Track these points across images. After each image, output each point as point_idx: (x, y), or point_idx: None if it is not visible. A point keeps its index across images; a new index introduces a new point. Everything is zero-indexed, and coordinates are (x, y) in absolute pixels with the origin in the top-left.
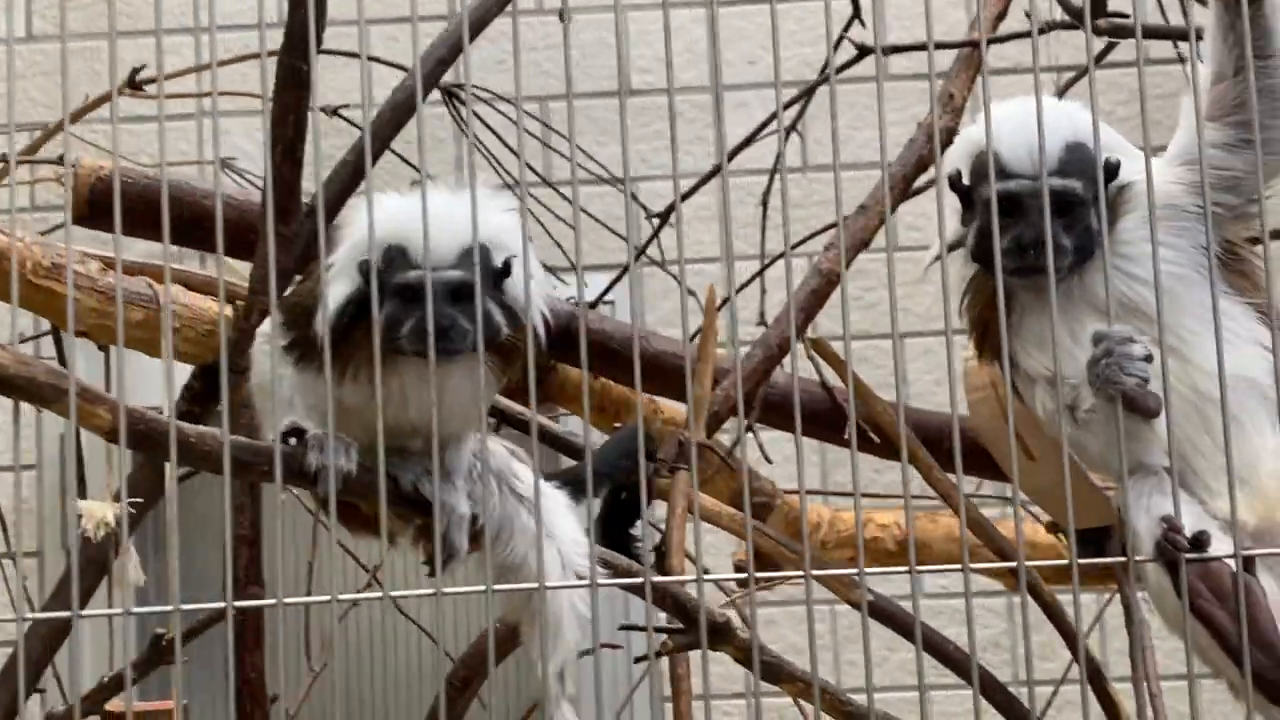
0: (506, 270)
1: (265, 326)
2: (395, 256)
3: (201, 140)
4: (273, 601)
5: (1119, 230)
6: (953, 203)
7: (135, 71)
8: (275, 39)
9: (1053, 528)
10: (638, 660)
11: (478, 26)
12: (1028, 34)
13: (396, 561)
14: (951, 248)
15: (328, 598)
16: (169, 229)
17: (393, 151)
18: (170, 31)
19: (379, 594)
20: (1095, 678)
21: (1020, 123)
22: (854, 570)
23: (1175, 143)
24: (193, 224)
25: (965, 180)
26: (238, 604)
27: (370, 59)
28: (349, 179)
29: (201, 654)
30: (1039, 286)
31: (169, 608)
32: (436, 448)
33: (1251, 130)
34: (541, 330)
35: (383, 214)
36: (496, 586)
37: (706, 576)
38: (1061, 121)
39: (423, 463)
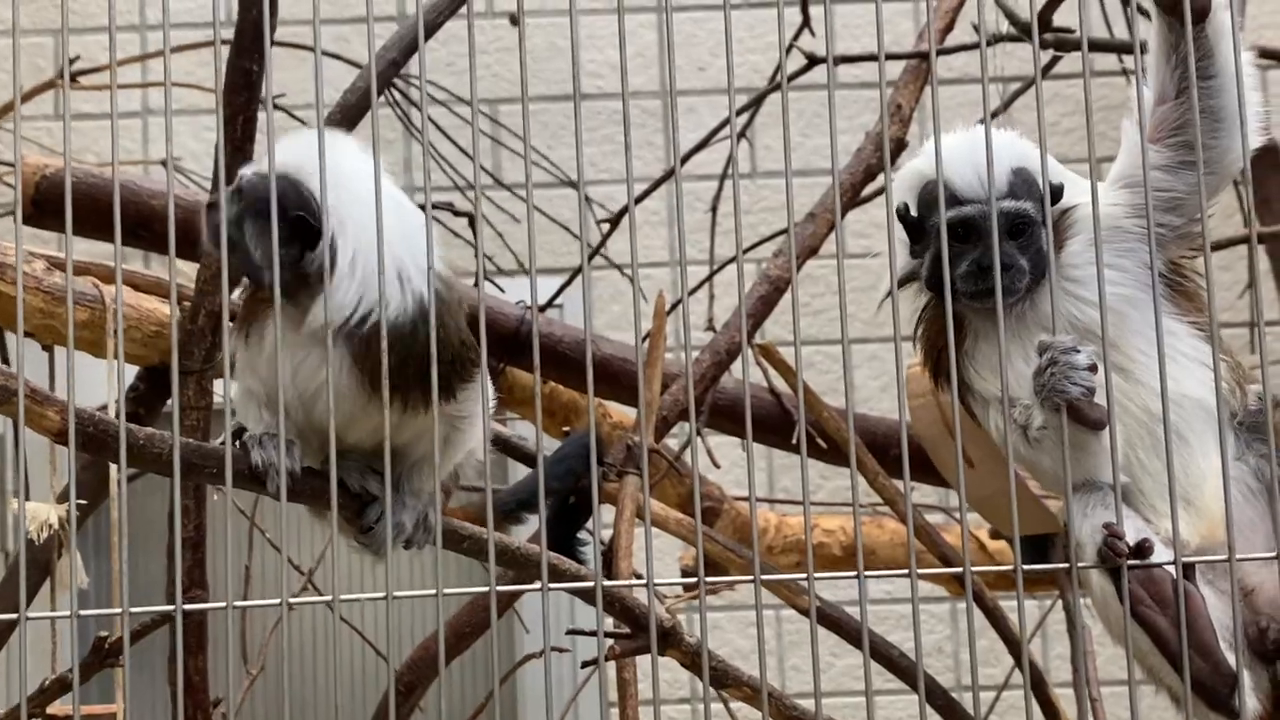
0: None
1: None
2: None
3: (148, 139)
4: (222, 604)
5: (1066, 254)
6: (900, 234)
7: (70, 63)
8: (225, 37)
9: (995, 535)
10: (585, 665)
11: (429, 29)
12: (975, 46)
13: (340, 565)
14: (903, 281)
15: (277, 601)
16: (109, 228)
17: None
18: (118, 29)
19: (327, 597)
20: (1037, 683)
21: (966, 150)
22: (803, 575)
23: (1117, 165)
24: (139, 224)
25: (913, 212)
26: (187, 606)
27: (324, 53)
28: None
29: (140, 659)
30: (992, 311)
31: (117, 610)
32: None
33: (1193, 151)
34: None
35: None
36: (446, 591)
37: (658, 581)
38: (1005, 148)
39: (370, 463)
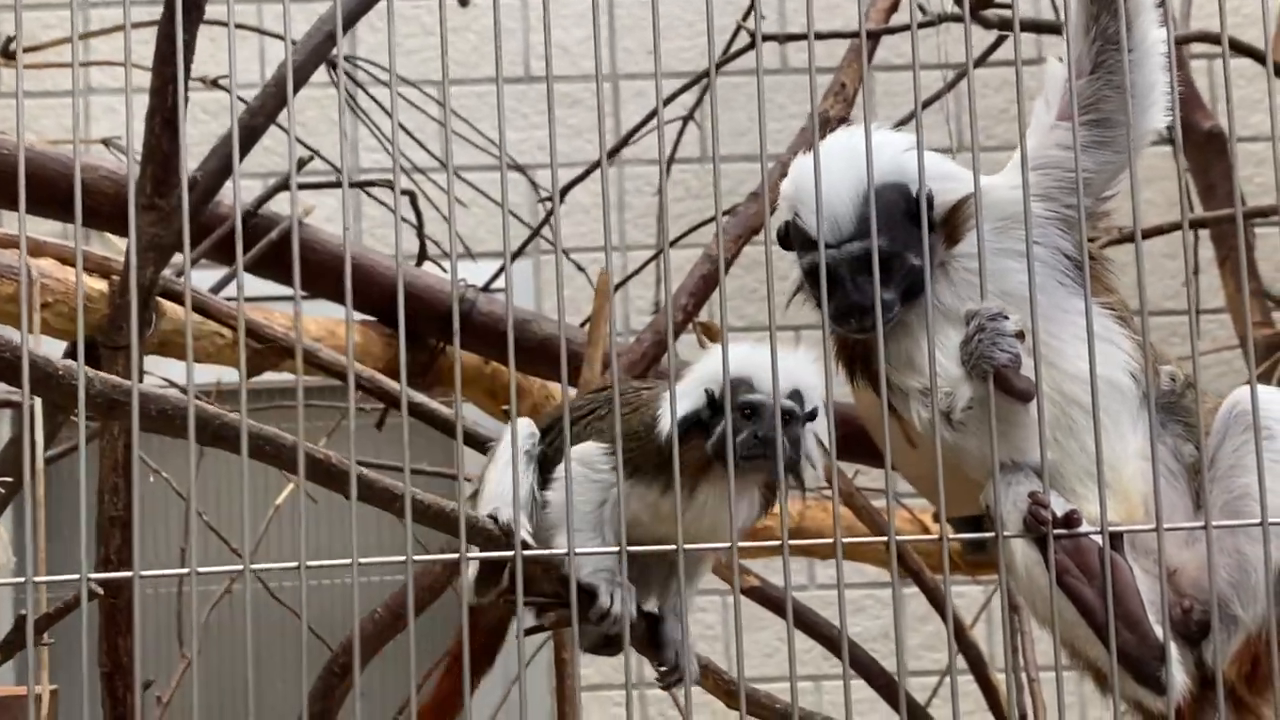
0: (813, 417)
1: (586, 449)
2: (739, 385)
3: (90, 118)
4: (129, 574)
5: (969, 243)
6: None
7: (9, 40)
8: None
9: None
10: (527, 633)
11: (367, 5)
12: (908, 28)
13: (269, 547)
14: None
15: (185, 570)
16: (45, 203)
17: (279, 126)
18: (39, 7)
19: (238, 566)
20: (976, 665)
21: (823, 184)
22: (726, 545)
23: (1024, 146)
24: (70, 199)
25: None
26: (93, 576)
27: (241, 27)
28: (231, 154)
29: (68, 640)
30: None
31: (21, 579)
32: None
33: (1104, 128)
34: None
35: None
36: (362, 560)
37: (579, 550)
38: (857, 173)
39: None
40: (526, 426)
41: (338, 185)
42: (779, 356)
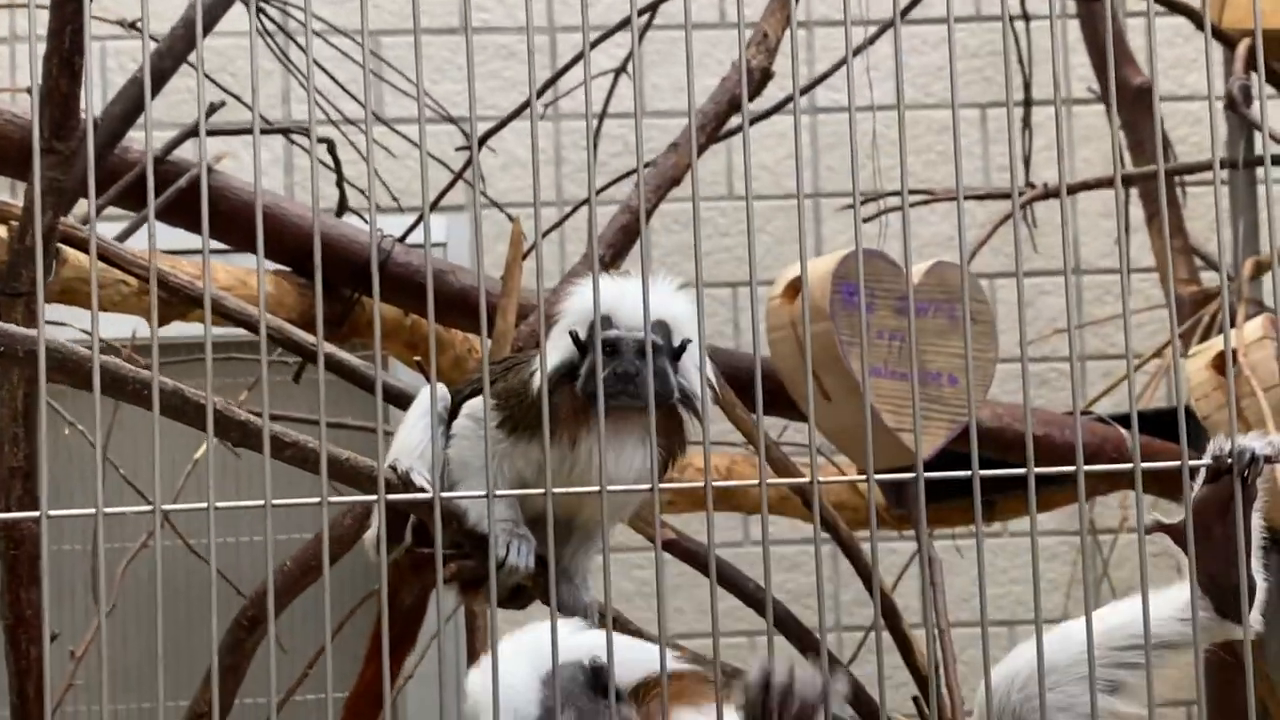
0: (682, 349)
1: (474, 403)
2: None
3: (15, 66)
4: (36, 514)
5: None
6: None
7: None
8: None
9: (859, 471)
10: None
11: None
12: None
13: (190, 501)
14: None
15: (91, 510)
16: None
17: (213, 81)
18: None
19: (149, 507)
20: (891, 616)
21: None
22: (596, 489)
23: None
24: None
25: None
26: None
27: None
28: (137, 97)
29: None
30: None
31: None
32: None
33: None
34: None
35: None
36: (275, 501)
37: (498, 493)
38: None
39: (575, 545)
40: (439, 391)
41: (250, 131)
42: (642, 288)
